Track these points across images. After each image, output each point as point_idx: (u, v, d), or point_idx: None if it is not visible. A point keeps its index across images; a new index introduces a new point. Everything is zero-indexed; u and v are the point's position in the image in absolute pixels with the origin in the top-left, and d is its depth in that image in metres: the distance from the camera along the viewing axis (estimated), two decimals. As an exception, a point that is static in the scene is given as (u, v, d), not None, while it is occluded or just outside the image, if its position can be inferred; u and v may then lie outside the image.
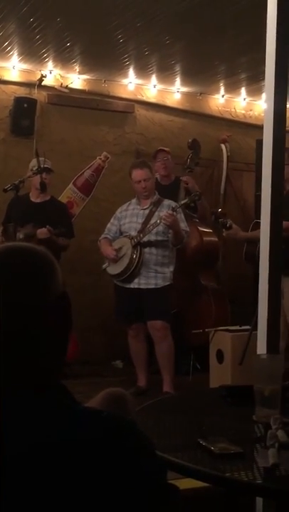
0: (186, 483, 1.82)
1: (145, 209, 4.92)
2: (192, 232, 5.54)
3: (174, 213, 4.64)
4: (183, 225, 4.83)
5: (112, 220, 5.06)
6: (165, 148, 5.80)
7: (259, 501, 2.23)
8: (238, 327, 4.71)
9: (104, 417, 1.01)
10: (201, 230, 5.76)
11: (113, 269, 4.90)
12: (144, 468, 0.98)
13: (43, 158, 4.92)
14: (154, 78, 6.34)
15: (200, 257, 5.73)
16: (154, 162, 5.59)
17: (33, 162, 5.00)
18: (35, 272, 1.07)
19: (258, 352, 2.56)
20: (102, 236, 5.04)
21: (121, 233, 4.97)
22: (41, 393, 1.00)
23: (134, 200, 5.05)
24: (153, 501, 0.97)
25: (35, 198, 5.16)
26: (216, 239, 5.86)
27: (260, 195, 2.77)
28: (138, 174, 4.89)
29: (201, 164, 6.16)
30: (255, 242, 4.63)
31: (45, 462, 0.93)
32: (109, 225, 5.06)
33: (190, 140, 5.98)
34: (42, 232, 4.70)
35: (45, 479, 0.93)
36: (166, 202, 4.90)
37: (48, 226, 4.76)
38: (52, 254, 1.13)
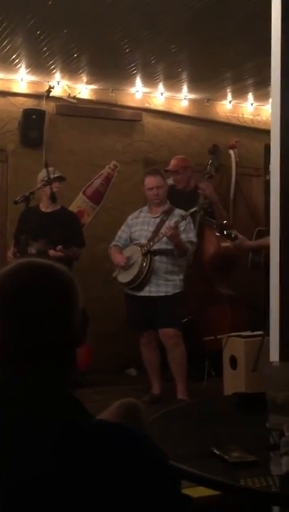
0: (200, 492, 1.82)
1: (156, 217, 4.93)
2: (210, 238, 5.54)
3: (177, 227, 4.64)
4: (191, 235, 4.84)
5: (122, 227, 5.08)
6: (179, 158, 5.76)
7: (275, 510, 2.22)
8: (249, 332, 4.70)
9: (118, 432, 1.02)
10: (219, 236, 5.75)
11: (123, 277, 4.91)
12: (158, 482, 0.99)
13: (52, 169, 4.95)
14: (161, 86, 6.35)
15: (217, 263, 5.70)
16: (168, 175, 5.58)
17: (43, 173, 5.03)
18: (63, 289, 1.11)
19: (271, 358, 2.56)
20: (113, 243, 5.06)
21: (131, 241, 4.98)
22: (57, 408, 1.02)
23: (145, 208, 5.06)
24: (168, 509, 0.98)
25: (45, 208, 5.19)
26: None
27: (269, 201, 2.77)
28: (150, 181, 4.91)
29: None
30: (260, 250, 4.63)
31: (68, 482, 0.94)
32: (120, 233, 5.07)
33: (211, 146, 5.98)
34: (53, 254, 4.68)
35: (66, 499, 0.93)
36: (178, 211, 4.90)
37: (59, 247, 4.76)
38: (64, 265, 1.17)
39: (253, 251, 4.87)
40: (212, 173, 5.87)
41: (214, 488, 1.60)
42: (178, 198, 5.17)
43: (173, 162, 5.73)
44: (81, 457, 0.96)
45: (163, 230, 4.77)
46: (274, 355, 2.52)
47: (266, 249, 4.52)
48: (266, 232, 4.58)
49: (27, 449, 0.96)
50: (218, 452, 1.64)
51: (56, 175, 5.01)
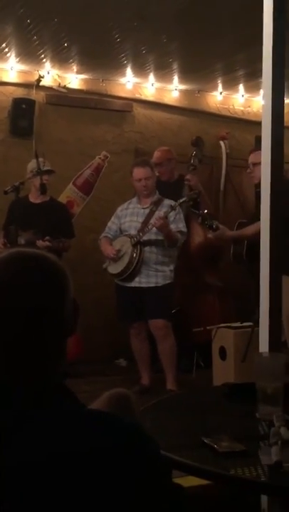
0: (190, 481, 1.83)
1: (145, 208, 4.93)
2: (196, 229, 5.54)
3: (166, 217, 4.65)
4: (181, 225, 4.84)
5: (112, 219, 5.07)
6: (163, 150, 5.75)
7: (264, 499, 2.24)
8: (238, 324, 4.72)
9: (109, 421, 1.02)
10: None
11: (113, 269, 4.91)
12: (149, 470, 0.99)
13: (42, 160, 4.93)
14: (151, 76, 6.33)
15: (204, 255, 5.72)
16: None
17: (32, 163, 5.01)
18: (54, 279, 1.11)
19: (260, 349, 2.57)
20: (103, 235, 5.06)
21: (121, 232, 4.98)
22: (50, 398, 1.02)
23: (134, 199, 5.06)
24: (158, 501, 0.98)
25: (34, 199, 5.17)
26: None
27: (260, 192, 2.77)
28: (139, 172, 4.89)
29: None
30: (242, 241, 4.64)
31: (60, 470, 0.94)
32: (109, 224, 5.07)
33: (194, 138, 5.98)
34: (42, 245, 4.67)
35: (58, 486, 0.94)
36: (167, 201, 4.91)
37: (47, 238, 4.75)
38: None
39: (235, 242, 4.86)
40: (196, 164, 5.87)
41: (204, 477, 1.62)
42: (163, 189, 5.16)
43: (156, 154, 5.71)
44: (72, 446, 0.96)
45: (152, 221, 4.77)
46: (263, 345, 2.53)
47: (247, 239, 4.55)
48: (247, 225, 4.60)
49: (19, 437, 0.96)
50: (208, 442, 1.65)
51: (46, 168, 4.98)
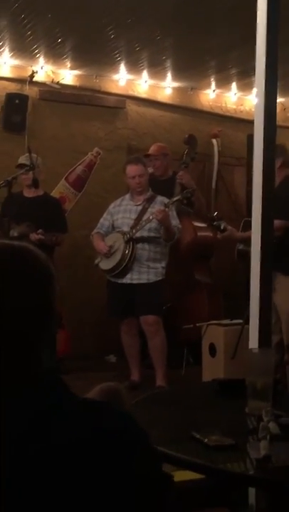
0: (179, 476, 1.85)
1: (138, 205, 4.94)
2: (187, 226, 5.56)
3: (166, 209, 4.67)
4: (174, 222, 4.86)
5: (104, 215, 5.08)
6: (160, 145, 5.78)
7: (252, 492, 2.26)
8: (228, 321, 4.75)
9: (102, 409, 1.04)
10: (196, 225, 5.77)
11: (105, 265, 4.93)
12: (140, 458, 1.01)
13: (35, 155, 4.93)
14: (145, 74, 6.34)
15: (194, 252, 5.75)
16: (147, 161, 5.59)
17: (21, 158, 5.02)
18: (37, 272, 1.09)
19: (250, 346, 2.59)
20: (95, 231, 5.07)
21: (113, 228, 4.99)
22: (52, 389, 1.03)
23: (127, 196, 5.07)
24: (148, 487, 1.00)
25: (28, 193, 5.17)
26: (211, 234, 5.85)
27: (251, 191, 2.79)
28: (132, 170, 4.90)
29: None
30: (249, 241, 4.64)
31: (59, 459, 0.96)
32: (102, 220, 5.08)
33: (186, 136, 6.00)
34: (35, 238, 4.68)
35: (57, 475, 0.95)
36: (160, 198, 4.92)
37: (40, 231, 4.75)
38: (46, 251, 1.15)
39: (241, 241, 4.88)
40: (188, 162, 5.89)
41: (194, 470, 1.64)
42: (155, 186, 5.17)
43: (153, 148, 5.73)
44: (66, 434, 0.98)
45: (146, 217, 4.78)
46: (253, 342, 2.56)
47: None
48: None
49: (11, 428, 0.98)
50: (197, 436, 1.67)
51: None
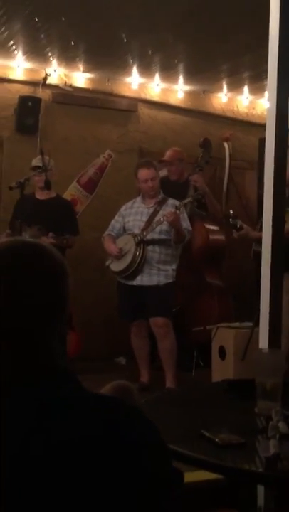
0: (188, 477, 1.86)
1: (150, 207, 4.97)
2: (199, 229, 5.58)
3: (177, 211, 4.69)
4: (185, 224, 4.87)
5: (116, 217, 5.11)
6: (175, 149, 5.80)
7: (260, 493, 2.27)
8: (238, 324, 4.75)
9: (113, 403, 1.06)
10: (208, 227, 5.79)
11: (116, 266, 4.95)
12: (151, 452, 1.03)
13: (47, 157, 4.96)
14: (157, 77, 6.37)
15: (205, 255, 5.75)
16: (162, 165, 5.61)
17: (35, 161, 5.06)
18: (52, 270, 1.12)
19: (260, 346, 2.60)
20: (106, 232, 5.09)
21: (125, 230, 5.01)
22: (64, 383, 1.05)
23: (138, 198, 5.09)
24: (159, 481, 1.02)
25: (40, 195, 5.21)
26: (223, 237, 5.86)
27: (262, 194, 2.80)
28: (144, 174, 4.92)
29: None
30: None
31: (88, 451, 0.98)
32: (113, 222, 5.10)
33: (201, 139, 6.02)
34: (45, 241, 4.69)
35: (65, 466, 0.97)
36: (171, 201, 4.94)
37: (51, 234, 4.78)
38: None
39: (256, 241, 4.88)
40: (203, 166, 5.92)
41: (202, 467, 1.65)
42: (170, 189, 5.20)
43: (169, 153, 5.75)
44: (76, 427, 0.99)
45: (157, 219, 4.80)
46: (263, 342, 2.57)
47: None
48: None
49: (19, 420, 0.99)
50: (207, 434, 1.69)
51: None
